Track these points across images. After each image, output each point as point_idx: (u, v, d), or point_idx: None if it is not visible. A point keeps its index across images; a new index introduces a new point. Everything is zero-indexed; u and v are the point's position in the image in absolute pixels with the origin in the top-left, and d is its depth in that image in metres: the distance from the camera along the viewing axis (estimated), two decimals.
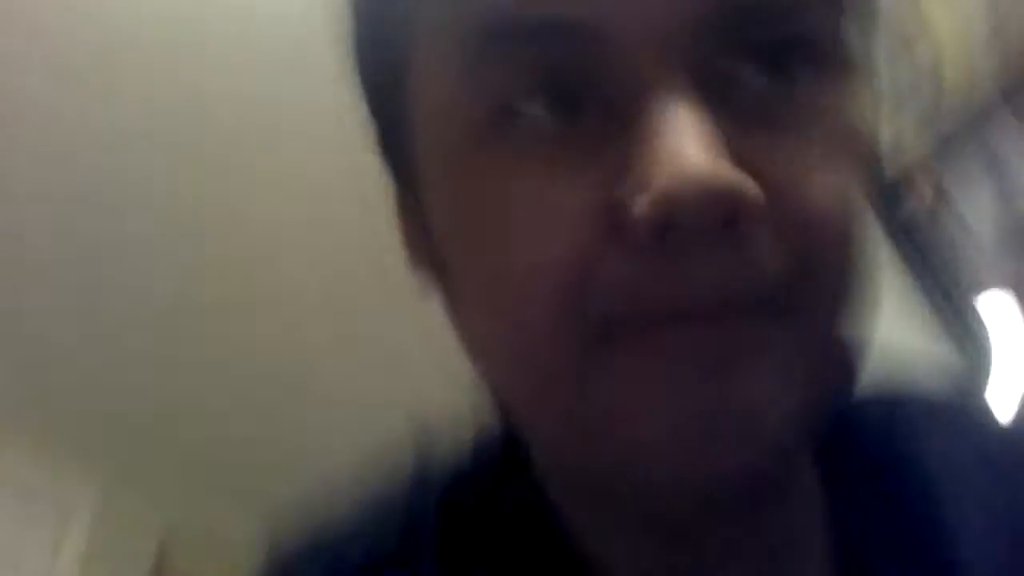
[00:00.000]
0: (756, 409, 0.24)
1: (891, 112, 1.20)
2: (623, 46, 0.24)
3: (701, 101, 0.23)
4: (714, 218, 0.23)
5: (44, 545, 2.02)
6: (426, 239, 0.30)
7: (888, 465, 0.32)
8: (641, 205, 0.23)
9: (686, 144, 0.22)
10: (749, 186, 0.23)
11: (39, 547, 2.01)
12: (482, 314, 0.28)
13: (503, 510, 0.32)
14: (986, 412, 0.40)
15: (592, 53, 0.24)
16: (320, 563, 0.34)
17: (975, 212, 1.34)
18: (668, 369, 0.24)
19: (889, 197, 1.27)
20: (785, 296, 0.24)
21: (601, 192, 0.24)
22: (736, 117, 0.24)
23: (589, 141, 0.25)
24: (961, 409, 0.38)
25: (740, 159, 0.23)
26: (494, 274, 0.26)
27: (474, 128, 0.26)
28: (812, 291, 0.25)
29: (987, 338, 1.28)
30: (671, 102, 0.23)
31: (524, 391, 0.28)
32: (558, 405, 0.26)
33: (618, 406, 0.25)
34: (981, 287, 1.32)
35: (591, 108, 0.25)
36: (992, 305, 1.32)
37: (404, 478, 0.35)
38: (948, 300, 1.30)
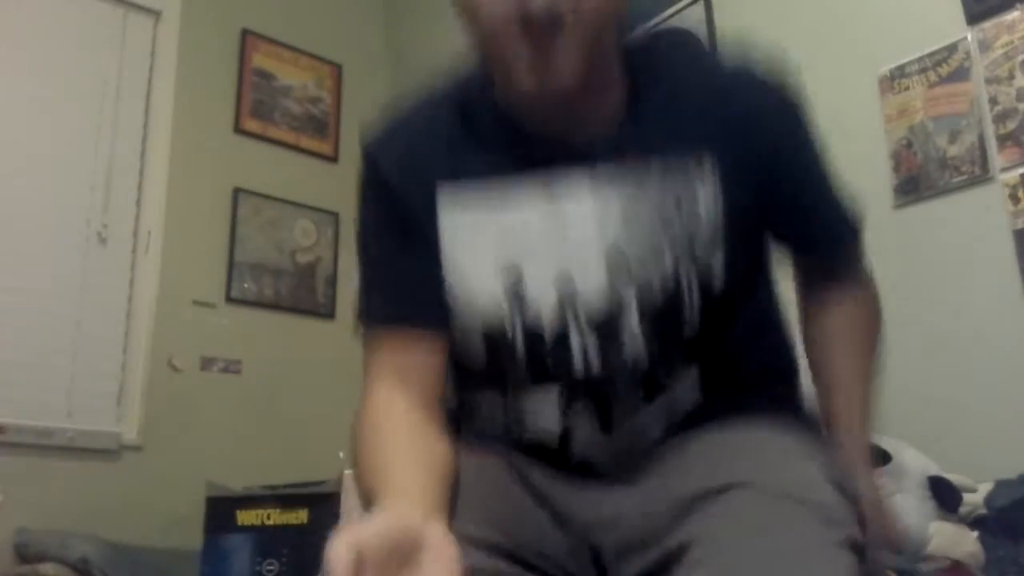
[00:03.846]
0: (561, 69, 0.73)
1: None
2: None
3: None
4: (546, 11, 0.72)
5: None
6: None
7: (658, 71, 0.84)
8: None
9: None
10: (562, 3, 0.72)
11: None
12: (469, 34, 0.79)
13: (481, 91, 0.85)
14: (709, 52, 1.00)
15: None
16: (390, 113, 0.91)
17: None
18: (523, 55, 0.74)
19: None
20: (570, 24, 0.72)
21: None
22: None
23: None
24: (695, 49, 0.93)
25: None
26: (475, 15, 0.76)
27: None
28: (581, 22, 0.73)
29: None
30: None
31: (491, 59, 0.79)
32: (501, 68, 0.78)
33: (513, 67, 0.75)
34: None
35: None
36: None
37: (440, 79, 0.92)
38: None
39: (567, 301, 0.79)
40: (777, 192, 0.83)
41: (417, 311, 0.83)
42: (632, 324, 0.78)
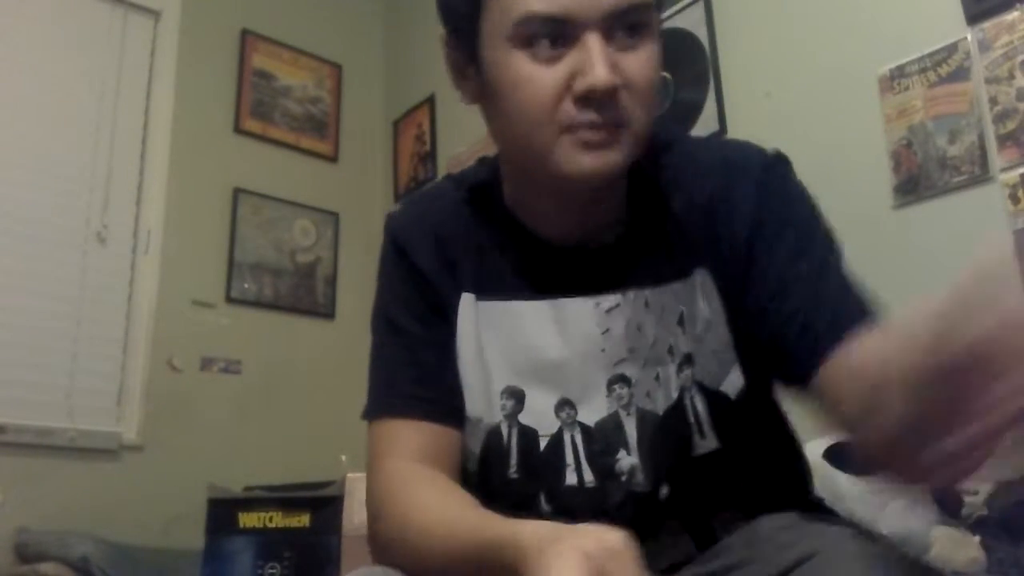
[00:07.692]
0: (610, 161, 0.74)
1: None
2: (578, 20, 0.71)
3: (603, 41, 0.71)
4: (602, 96, 0.71)
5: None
6: (474, 75, 0.79)
7: (653, 168, 0.83)
8: (579, 88, 0.72)
9: (596, 62, 0.71)
10: (617, 82, 0.72)
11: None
12: (507, 118, 0.77)
13: (490, 195, 0.87)
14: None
15: (566, 22, 0.71)
16: (407, 203, 0.95)
17: None
18: (583, 147, 0.73)
19: None
20: (625, 119, 0.73)
21: (565, 75, 0.72)
22: (615, 46, 0.72)
23: (561, 54, 0.72)
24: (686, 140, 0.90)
25: (614, 65, 0.72)
26: (515, 103, 0.74)
27: (514, 37, 0.73)
28: (634, 117, 0.74)
29: None
30: (592, 40, 0.71)
31: (524, 149, 0.77)
32: (537, 156, 0.75)
33: (564, 159, 0.74)
34: None
35: (562, 42, 0.72)
36: None
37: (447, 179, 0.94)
38: None
39: (566, 424, 0.81)
40: (754, 290, 0.76)
41: (444, 403, 0.82)
42: (631, 447, 0.79)
